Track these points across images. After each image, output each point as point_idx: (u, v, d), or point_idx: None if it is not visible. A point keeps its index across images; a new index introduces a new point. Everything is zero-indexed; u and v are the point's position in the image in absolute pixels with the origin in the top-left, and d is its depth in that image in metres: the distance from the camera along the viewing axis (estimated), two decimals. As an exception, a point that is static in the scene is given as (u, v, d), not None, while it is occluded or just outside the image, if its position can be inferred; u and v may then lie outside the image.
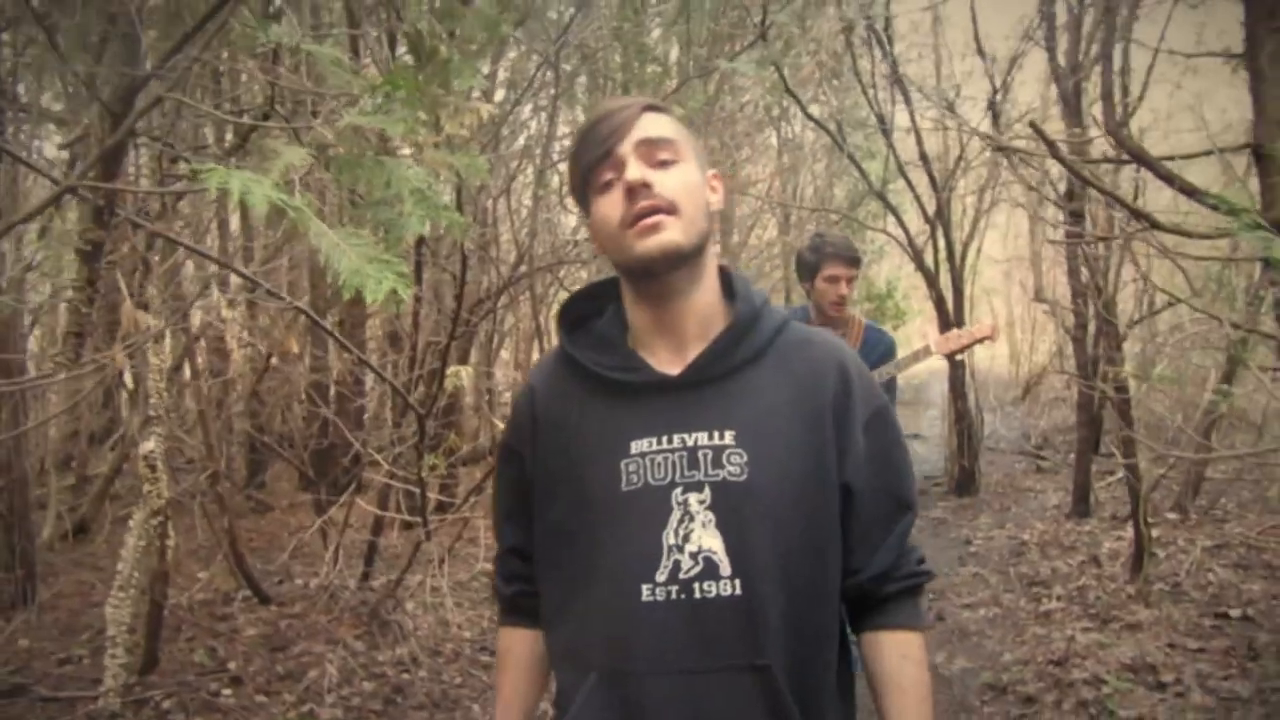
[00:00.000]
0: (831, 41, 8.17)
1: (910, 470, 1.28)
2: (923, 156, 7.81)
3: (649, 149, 1.15)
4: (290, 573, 6.11)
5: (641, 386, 1.18)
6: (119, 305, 2.93)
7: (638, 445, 1.15)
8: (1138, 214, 2.56)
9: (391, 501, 5.42)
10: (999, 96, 7.45)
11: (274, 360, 6.11)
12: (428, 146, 1.51)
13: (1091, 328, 6.72)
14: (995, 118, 7.10)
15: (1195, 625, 4.23)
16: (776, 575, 1.13)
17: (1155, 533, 5.75)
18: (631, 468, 1.15)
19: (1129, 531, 5.22)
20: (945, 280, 8.15)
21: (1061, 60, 5.74)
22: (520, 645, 1.31)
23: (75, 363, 2.75)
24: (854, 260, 3.03)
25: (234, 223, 8.06)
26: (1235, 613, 4.32)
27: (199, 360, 5.66)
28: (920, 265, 8.11)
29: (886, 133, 7.99)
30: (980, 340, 3.00)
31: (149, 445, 4.17)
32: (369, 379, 8.43)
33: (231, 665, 4.37)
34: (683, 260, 1.15)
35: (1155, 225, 2.47)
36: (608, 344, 1.22)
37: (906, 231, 8.25)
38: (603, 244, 1.20)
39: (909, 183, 8.11)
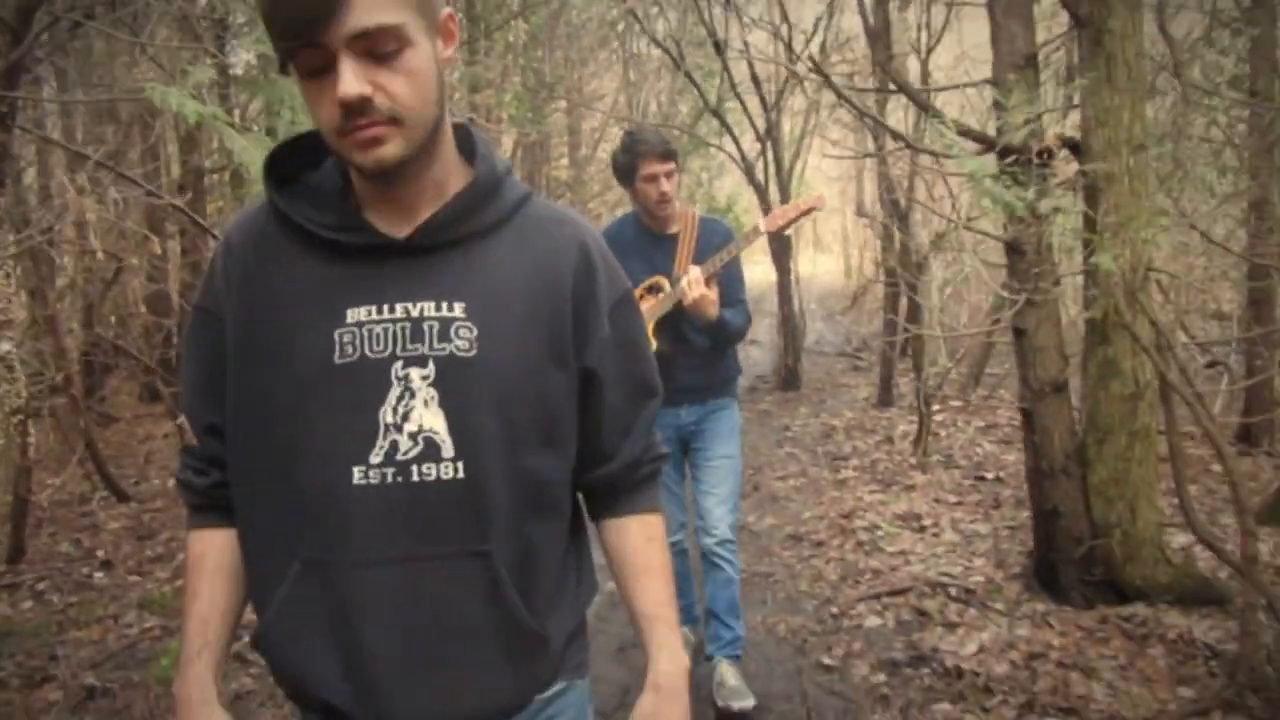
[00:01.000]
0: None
1: (652, 356, 1.24)
2: (754, 78, 8.34)
3: (370, 42, 0.94)
4: (146, 475, 6.26)
5: (363, 249, 1.05)
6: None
7: (355, 314, 1.04)
8: (894, 134, 3.13)
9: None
10: (822, 23, 8.04)
11: (132, 262, 6.08)
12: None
13: (897, 240, 7.51)
14: (790, 49, 7.62)
15: (958, 486, 5.09)
16: (502, 458, 1.05)
17: (940, 417, 6.69)
18: (346, 338, 1.03)
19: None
20: (775, 195, 8.81)
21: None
22: (218, 548, 1.15)
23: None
24: (668, 154, 2.88)
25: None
26: (990, 476, 5.21)
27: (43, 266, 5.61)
28: (751, 180, 8.72)
29: (721, 53, 8.43)
30: (807, 211, 2.86)
31: (3, 347, 4.28)
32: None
33: (100, 553, 4.61)
34: (409, 165, 1.02)
35: (909, 146, 3.06)
36: (324, 200, 1.08)
37: (740, 148, 8.81)
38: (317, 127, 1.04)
39: (741, 103, 8.64)
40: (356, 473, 1.02)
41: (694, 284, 2.70)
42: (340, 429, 1.03)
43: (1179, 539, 3.81)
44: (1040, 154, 2.86)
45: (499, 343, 1.05)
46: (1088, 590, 3.41)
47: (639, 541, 1.19)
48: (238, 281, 1.09)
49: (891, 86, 3.18)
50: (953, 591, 3.63)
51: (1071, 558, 3.44)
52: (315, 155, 1.12)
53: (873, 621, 3.49)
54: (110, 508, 5.42)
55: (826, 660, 3.26)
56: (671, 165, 2.88)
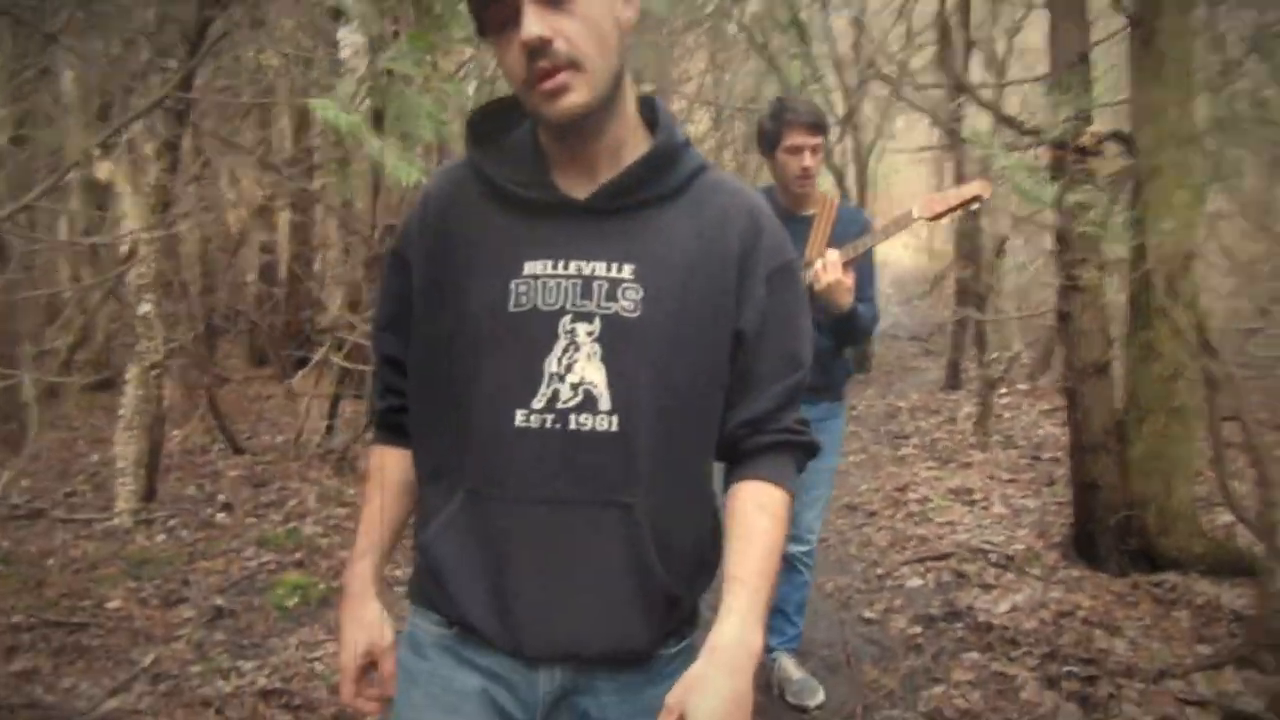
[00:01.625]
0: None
1: (807, 331, 1.23)
2: (835, 65, 8.50)
3: None
4: (257, 431, 6.86)
5: (544, 206, 1.13)
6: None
7: (531, 266, 1.11)
8: (946, 129, 3.35)
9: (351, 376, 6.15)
10: (905, 9, 8.15)
11: (261, 238, 6.64)
12: (432, 78, 2.22)
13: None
14: (856, 48, 7.70)
15: (1014, 464, 5.28)
16: (655, 416, 1.11)
17: (1006, 400, 6.84)
18: (522, 289, 1.11)
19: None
20: (852, 178, 8.98)
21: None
22: (391, 463, 1.28)
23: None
24: (818, 126, 2.67)
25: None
26: (1047, 456, 5.37)
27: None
28: (829, 162, 8.90)
29: (804, 39, 8.61)
30: (971, 201, 2.50)
31: (146, 308, 4.83)
32: (318, 263, 9.04)
33: (221, 497, 5.16)
34: (592, 115, 1.08)
35: (963, 140, 3.28)
36: (518, 157, 1.16)
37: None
38: (510, 86, 1.11)
39: (821, 88, 8.81)
40: (519, 415, 1.09)
41: (830, 267, 2.46)
42: (508, 373, 1.10)
43: (1224, 517, 3.96)
44: (1079, 149, 3.06)
45: (663, 307, 1.10)
46: (1123, 559, 3.61)
47: (747, 506, 1.15)
48: (430, 229, 1.18)
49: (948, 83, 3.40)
50: (993, 558, 3.87)
51: (1108, 528, 3.65)
52: (513, 118, 1.19)
53: (914, 582, 3.76)
54: (227, 458, 6.00)
55: (868, 614, 3.54)
56: (819, 140, 2.68)
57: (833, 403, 2.82)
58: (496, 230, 1.14)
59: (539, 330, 1.10)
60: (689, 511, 1.16)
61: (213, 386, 6.01)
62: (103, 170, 3.07)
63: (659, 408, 1.11)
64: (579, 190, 1.13)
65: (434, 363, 1.16)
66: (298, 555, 4.31)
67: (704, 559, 1.19)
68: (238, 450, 6.12)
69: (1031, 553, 3.85)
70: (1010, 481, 4.94)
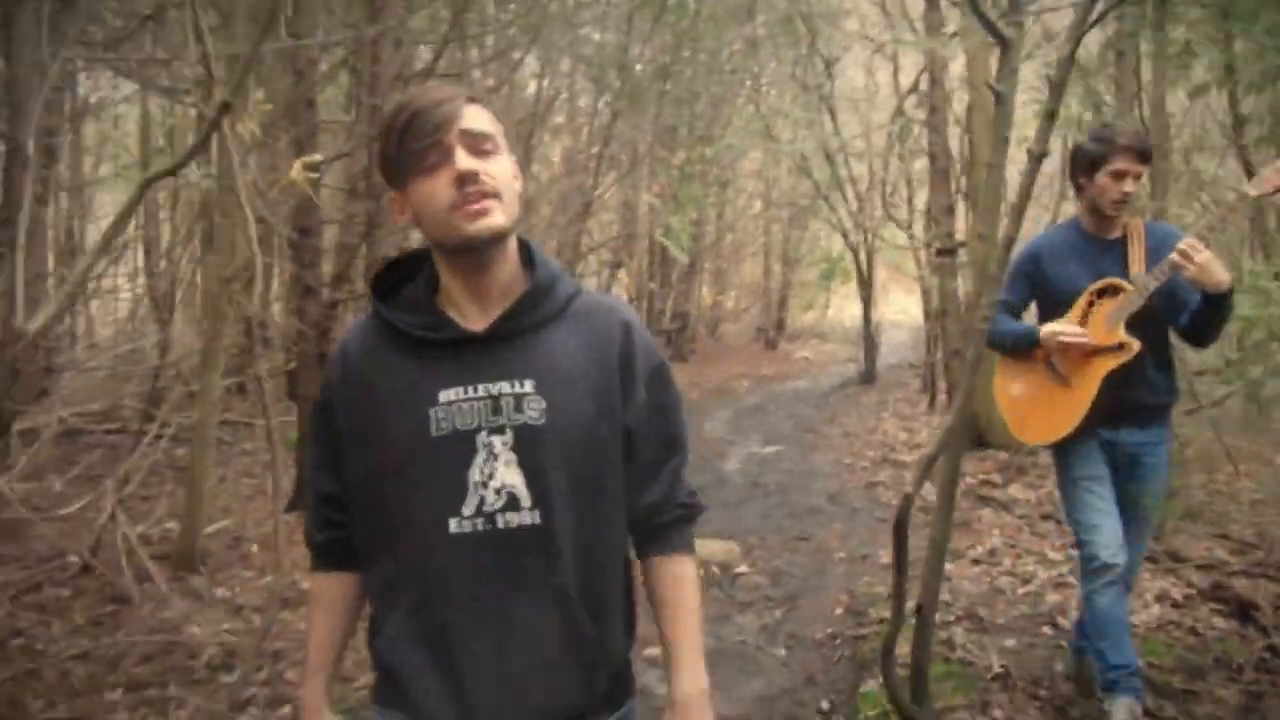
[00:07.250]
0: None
1: (682, 418, 1.47)
2: (851, 179, 12.66)
3: (473, 140, 1.27)
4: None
5: (449, 343, 1.31)
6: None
7: (446, 395, 1.28)
8: (899, 230, 7.43)
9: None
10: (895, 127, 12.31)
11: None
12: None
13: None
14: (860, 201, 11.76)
15: (937, 415, 9.28)
16: (569, 505, 1.30)
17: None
18: (440, 415, 1.27)
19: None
20: (863, 255, 13.13)
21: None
22: (332, 589, 1.44)
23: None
24: (1145, 154, 2.71)
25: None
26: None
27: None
28: (847, 241, 13.07)
29: (830, 160, 12.76)
30: None
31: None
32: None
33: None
34: (504, 239, 1.31)
35: (906, 243, 7.38)
36: (418, 306, 1.35)
37: (841, 219, 13.17)
38: (422, 221, 1.31)
39: (842, 193, 12.92)
40: (452, 524, 1.28)
41: (1196, 247, 2.50)
42: (438, 489, 1.29)
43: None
44: (941, 251, 7.09)
45: (563, 411, 1.31)
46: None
47: (666, 580, 1.41)
48: (351, 379, 1.37)
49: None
50: (903, 437, 7.90)
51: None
52: (411, 272, 1.41)
53: (865, 460, 7.77)
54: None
55: (833, 487, 7.54)
56: (1144, 169, 2.75)
57: (1161, 427, 2.89)
58: (410, 370, 1.32)
59: (460, 448, 1.28)
60: (611, 584, 1.38)
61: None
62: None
63: (573, 498, 1.31)
64: (477, 324, 1.33)
65: (370, 492, 1.34)
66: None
67: (628, 619, 1.43)
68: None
69: (914, 442, 7.88)
70: (928, 421, 8.99)
